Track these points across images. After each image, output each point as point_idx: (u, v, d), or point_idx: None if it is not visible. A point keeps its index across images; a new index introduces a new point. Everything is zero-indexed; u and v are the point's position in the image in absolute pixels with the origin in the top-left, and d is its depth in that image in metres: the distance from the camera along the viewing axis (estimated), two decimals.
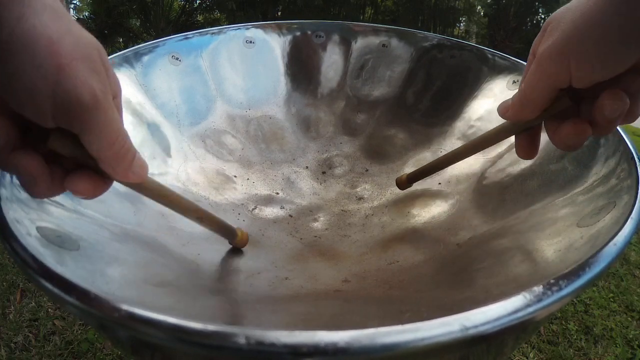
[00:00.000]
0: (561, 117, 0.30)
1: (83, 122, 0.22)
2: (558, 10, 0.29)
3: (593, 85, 0.27)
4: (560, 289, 0.22)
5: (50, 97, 0.21)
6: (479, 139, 0.41)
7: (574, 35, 0.26)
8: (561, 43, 0.27)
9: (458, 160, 0.46)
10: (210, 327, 0.18)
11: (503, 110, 0.34)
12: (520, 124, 0.34)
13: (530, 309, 0.20)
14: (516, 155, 0.56)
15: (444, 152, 0.68)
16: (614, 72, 0.26)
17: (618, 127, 0.44)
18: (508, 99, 0.33)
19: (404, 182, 0.57)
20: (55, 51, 0.20)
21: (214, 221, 0.41)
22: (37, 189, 0.24)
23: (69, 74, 0.21)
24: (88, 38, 0.23)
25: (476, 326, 0.19)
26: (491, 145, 0.41)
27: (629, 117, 0.28)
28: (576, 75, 0.27)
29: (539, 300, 0.21)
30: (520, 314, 0.20)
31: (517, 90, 0.33)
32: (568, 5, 0.28)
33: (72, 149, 0.24)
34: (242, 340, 0.18)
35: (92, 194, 0.26)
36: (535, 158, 0.53)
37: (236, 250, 0.50)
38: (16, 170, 0.23)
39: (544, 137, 0.54)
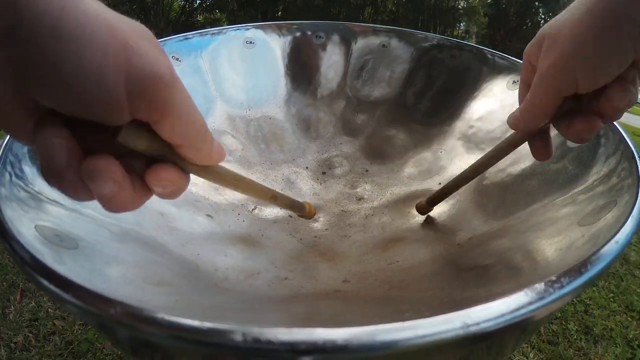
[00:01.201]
0: (569, 115, 0.33)
1: (163, 101, 0.19)
2: (551, 24, 0.31)
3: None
4: (562, 286, 0.22)
5: (123, 82, 0.18)
6: (493, 151, 0.42)
7: (576, 52, 0.29)
8: (564, 59, 0.29)
9: (476, 176, 0.46)
10: (207, 324, 0.18)
11: (514, 122, 0.36)
12: (530, 132, 0.36)
13: (532, 307, 0.20)
14: (516, 155, 0.57)
15: (444, 152, 0.68)
16: (615, 75, 0.29)
17: (618, 127, 0.44)
18: (515, 111, 0.36)
19: (424, 207, 0.55)
20: (118, 32, 0.18)
21: (285, 199, 0.43)
22: (122, 198, 0.21)
23: (139, 52, 0.19)
24: (136, 21, 0.21)
25: (478, 323, 0.19)
26: (506, 156, 0.42)
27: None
28: (583, 84, 0.29)
29: (541, 297, 0.21)
30: (522, 311, 0.20)
31: (519, 100, 0.36)
32: (560, 20, 0.31)
33: (148, 141, 0.21)
34: (239, 338, 0.17)
35: (177, 187, 0.24)
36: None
37: (235, 251, 0.50)
38: (97, 178, 0.20)
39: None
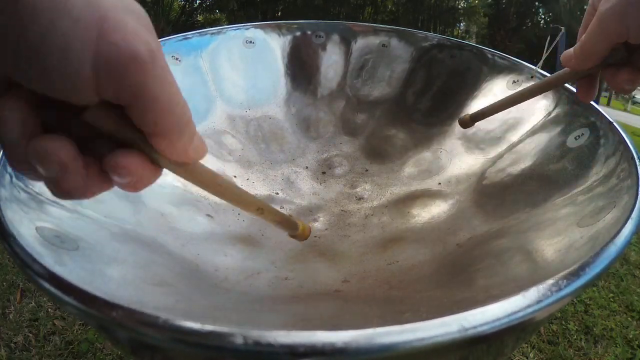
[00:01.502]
0: (617, 64, 0.35)
1: (137, 83, 0.17)
2: None
3: None
4: (560, 289, 0.22)
5: (91, 57, 0.16)
6: (543, 82, 0.44)
7: (634, 1, 0.30)
8: (622, 6, 0.31)
9: (522, 101, 0.47)
10: (207, 327, 0.18)
11: (566, 59, 0.38)
12: (580, 72, 0.38)
13: (530, 310, 0.20)
14: (516, 156, 0.57)
15: (444, 152, 0.68)
16: None
17: (618, 127, 0.44)
18: (570, 49, 0.38)
19: (468, 121, 0.54)
20: (97, 3, 0.16)
21: (275, 214, 0.37)
22: (68, 183, 0.19)
23: (115, 25, 0.16)
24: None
25: (475, 327, 0.19)
26: (554, 89, 0.47)
27: None
28: (633, 33, 0.31)
29: (539, 300, 0.21)
30: (519, 315, 0.20)
31: (577, 40, 0.38)
32: None
33: (115, 124, 0.19)
34: (239, 340, 0.18)
35: (139, 179, 0.20)
36: (535, 158, 0.53)
37: (235, 251, 0.50)
38: (40, 159, 0.18)
39: (541, 139, 0.55)
